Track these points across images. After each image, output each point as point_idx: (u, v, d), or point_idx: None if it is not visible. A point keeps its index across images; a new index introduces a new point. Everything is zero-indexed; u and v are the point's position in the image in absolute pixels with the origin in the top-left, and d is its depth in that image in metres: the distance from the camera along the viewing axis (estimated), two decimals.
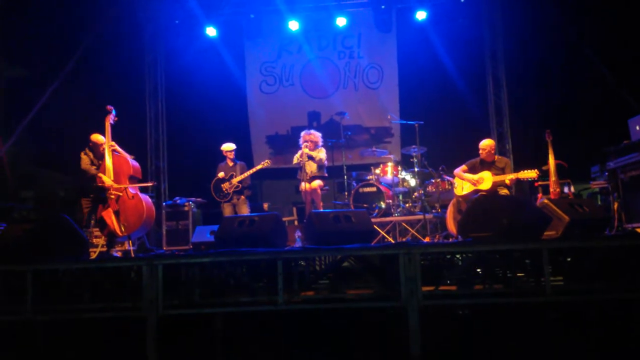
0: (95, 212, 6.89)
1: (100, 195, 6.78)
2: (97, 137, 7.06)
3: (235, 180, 8.26)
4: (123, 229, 6.67)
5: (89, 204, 6.94)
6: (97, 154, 7.06)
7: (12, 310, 4.70)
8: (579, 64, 9.44)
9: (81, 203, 6.96)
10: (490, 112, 10.50)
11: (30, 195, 9.69)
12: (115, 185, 6.75)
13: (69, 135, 8.65)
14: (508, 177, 7.09)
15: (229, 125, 10.73)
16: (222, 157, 8.54)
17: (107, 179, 6.76)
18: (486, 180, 7.20)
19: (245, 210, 8.21)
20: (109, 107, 7.07)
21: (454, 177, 7.79)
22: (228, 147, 8.56)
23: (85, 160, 7.01)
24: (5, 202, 8.68)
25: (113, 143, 6.94)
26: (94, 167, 6.99)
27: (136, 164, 7.08)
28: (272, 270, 4.53)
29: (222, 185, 8.30)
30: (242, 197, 8.30)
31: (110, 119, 7.02)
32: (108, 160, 6.82)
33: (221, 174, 8.35)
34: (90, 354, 4.73)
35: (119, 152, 7.00)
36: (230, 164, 8.48)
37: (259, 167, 8.30)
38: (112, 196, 6.71)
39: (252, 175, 8.30)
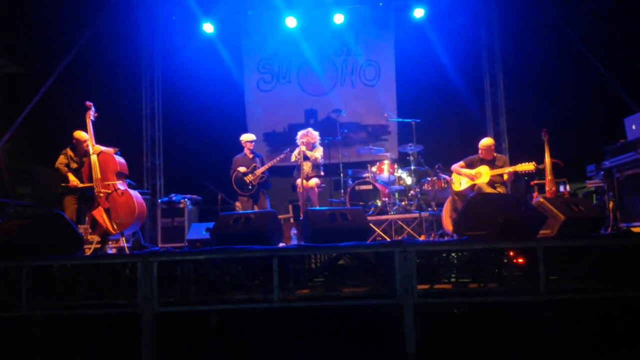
0: (85, 210, 6.86)
1: (87, 194, 6.73)
2: (79, 134, 6.97)
3: (259, 172, 8.23)
4: (115, 226, 6.62)
5: (74, 201, 6.89)
6: (80, 151, 7.00)
7: (7, 306, 4.69)
8: (575, 63, 9.45)
9: (64, 202, 6.89)
10: (487, 110, 10.51)
11: (26, 192, 9.67)
12: (79, 185, 6.70)
13: (65, 132, 8.61)
14: (506, 170, 7.11)
15: (226, 122, 10.71)
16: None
17: (74, 179, 6.75)
18: (484, 174, 7.21)
19: (267, 206, 8.19)
20: (88, 103, 6.94)
21: (450, 174, 7.81)
22: (249, 137, 8.53)
23: (60, 159, 6.95)
24: (1, 198, 8.66)
25: (99, 148, 6.81)
26: (74, 165, 6.93)
27: (122, 160, 6.97)
28: (268, 267, 4.53)
29: (246, 178, 8.26)
30: (266, 190, 8.31)
31: (91, 116, 6.89)
32: (94, 158, 6.73)
33: (242, 169, 8.31)
34: (86, 351, 4.73)
35: (103, 151, 6.86)
36: (250, 155, 8.46)
37: (282, 155, 8.28)
38: (102, 195, 6.63)
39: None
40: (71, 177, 6.80)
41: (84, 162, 6.89)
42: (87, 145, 6.87)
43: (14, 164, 9.53)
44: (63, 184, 6.80)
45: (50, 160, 9.50)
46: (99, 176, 6.69)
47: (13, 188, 9.22)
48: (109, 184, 6.69)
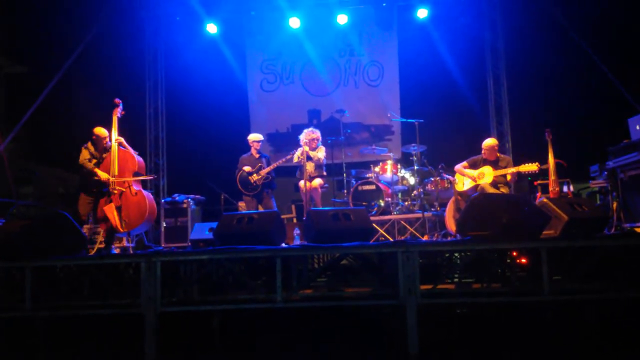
0: (96, 208, 6.86)
1: (102, 190, 6.74)
2: (100, 130, 6.97)
3: (263, 172, 8.20)
4: (124, 225, 6.63)
5: (90, 199, 6.90)
6: (99, 147, 6.98)
7: (11, 306, 4.70)
8: (579, 63, 9.42)
9: (80, 198, 6.91)
10: (491, 110, 10.50)
11: (29, 192, 9.69)
12: (112, 179, 6.69)
13: (69, 132, 8.64)
14: (509, 171, 7.10)
15: (229, 123, 10.73)
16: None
17: (104, 174, 6.73)
18: (487, 175, 7.21)
19: (272, 206, 8.17)
20: (117, 100, 7.00)
21: (454, 174, 7.80)
22: (257, 137, 8.49)
23: (84, 154, 6.91)
24: (4, 198, 8.68)
25: (121, 138, 6.87)
26: (94, 161, 6.91)
27: (141, 160, 7.03)
28: (271, 267, 4.53)
29: (250, 177, 8.21)
30: (271, 191, 8.27)
31: (118, 113, 6.96)
32: (114, 148, 6.78)
33: (247, 168, 8.26)
34: (89, 350, 4.74)
35: (125, 147, 6.93)
36: (257, 155, 8.41)
37: (289, 156, 8.23)
38: (116, 191, 6.65)
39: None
40: (100, 173, 6.75)
41: (104, 158, 6.91)
42: (107, 142, 6.91)
43: (16, 164, 9.55)
44: (95, 178, 6.76)
45: (53, 160, 9.60)
46: (116, 172, 6.74)
47: (16, 188, 9.23)
48: (124, 181, 6.72)
